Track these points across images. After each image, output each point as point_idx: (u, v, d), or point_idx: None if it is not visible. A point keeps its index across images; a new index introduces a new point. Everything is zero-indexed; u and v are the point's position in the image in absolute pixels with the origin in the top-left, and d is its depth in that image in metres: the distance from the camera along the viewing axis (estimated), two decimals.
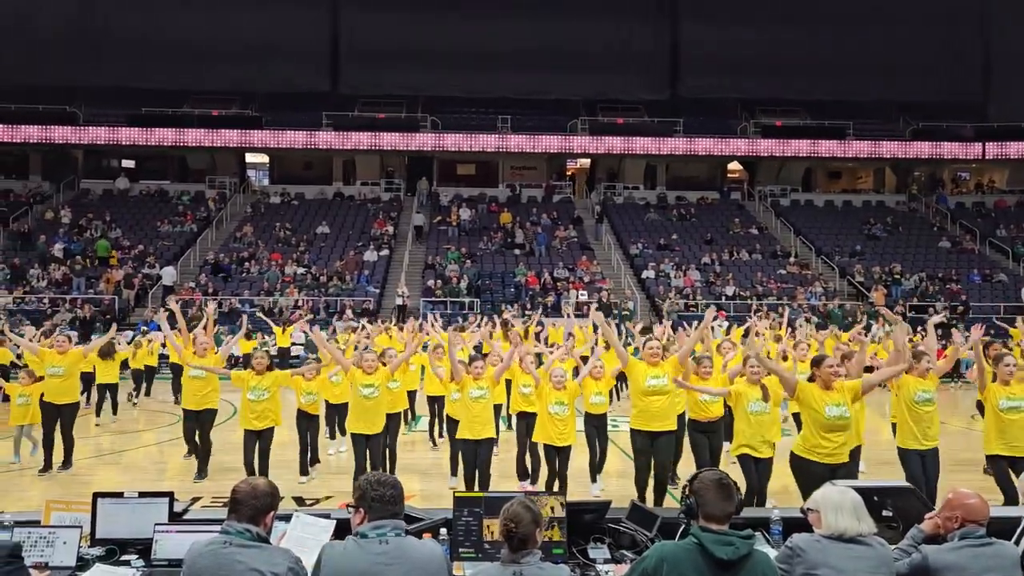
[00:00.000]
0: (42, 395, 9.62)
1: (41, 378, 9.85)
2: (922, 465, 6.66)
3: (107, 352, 12.86)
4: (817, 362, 6.08)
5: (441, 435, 10.68)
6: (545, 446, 7.76)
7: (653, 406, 7.20)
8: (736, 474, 6.17)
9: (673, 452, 7.69)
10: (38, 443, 9.71)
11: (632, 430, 7.36)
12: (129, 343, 16.15)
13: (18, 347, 12.74)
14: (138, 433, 12.76)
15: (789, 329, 14.91)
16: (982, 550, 3.45)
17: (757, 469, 6.72)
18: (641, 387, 7.21)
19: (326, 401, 10.04)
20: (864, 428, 7.65)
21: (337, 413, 10.23)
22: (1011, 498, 6.23)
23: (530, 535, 3.13)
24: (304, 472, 9.23)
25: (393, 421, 8.79)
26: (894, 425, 7.39)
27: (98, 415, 13.09)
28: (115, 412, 13.31)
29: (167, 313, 11.32)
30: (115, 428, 12.86)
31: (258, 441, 8.36)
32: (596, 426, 8.41)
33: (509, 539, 3.14)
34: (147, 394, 15.85)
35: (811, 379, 6.08)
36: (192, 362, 9.32)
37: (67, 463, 9.56)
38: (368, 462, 7.77)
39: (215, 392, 9.44)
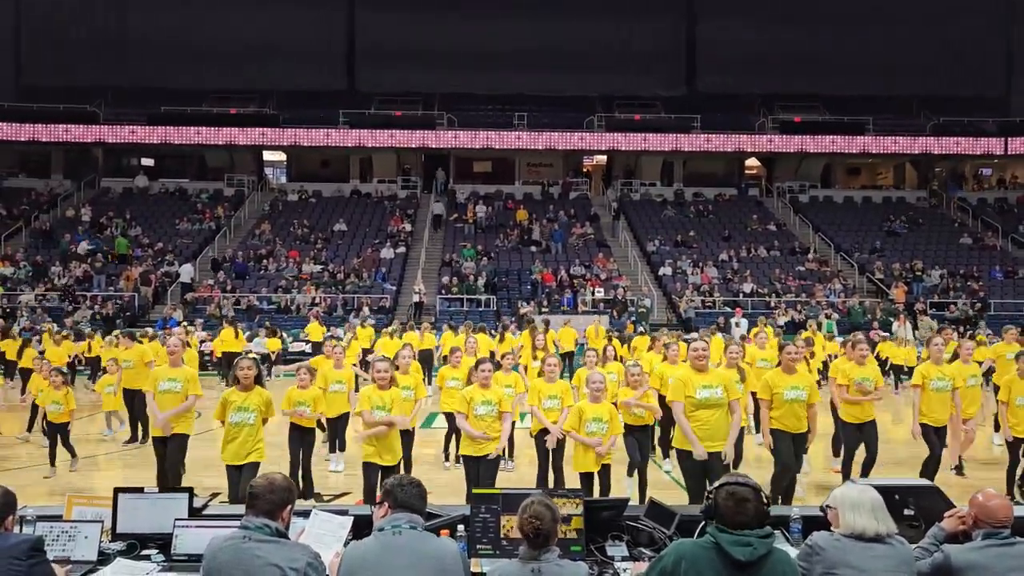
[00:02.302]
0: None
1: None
2: (859, 434, 7.77)
3: None
4: (780, 348, 7.64)
5: (459, 459, 9.13)
6: (582, 474, 6.79)
7: (705, 421, 6.30)
8: None
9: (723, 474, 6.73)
10: (124, 421, 11.73)
11: (679, 450, 6.59)
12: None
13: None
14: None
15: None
16: (1006, 550, 3.40)
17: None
18: (692, 399, 6.33)
19: (322, 414, 8.84)
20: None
21: (336, 425, 9.42)
22: (936, 456, 7.66)
23: (552, 532, 3.14)
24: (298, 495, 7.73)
25: (407, 437, 7.85)
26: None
27: None
28: None
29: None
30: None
31: (240, 480, 6.59)
32: (638, 438, 7.63)
33: (535, 537, 3.14)
34: None
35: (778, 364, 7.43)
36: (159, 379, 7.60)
37: (145, 439, 10.81)
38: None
39: (191, 413, 7.66)
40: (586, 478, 6.78)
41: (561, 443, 7.37)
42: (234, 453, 6.60)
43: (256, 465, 6.61)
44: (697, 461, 6.26)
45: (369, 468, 6.69)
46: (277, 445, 8.06)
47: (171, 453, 7.40)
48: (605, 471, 6.87)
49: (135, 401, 11.22)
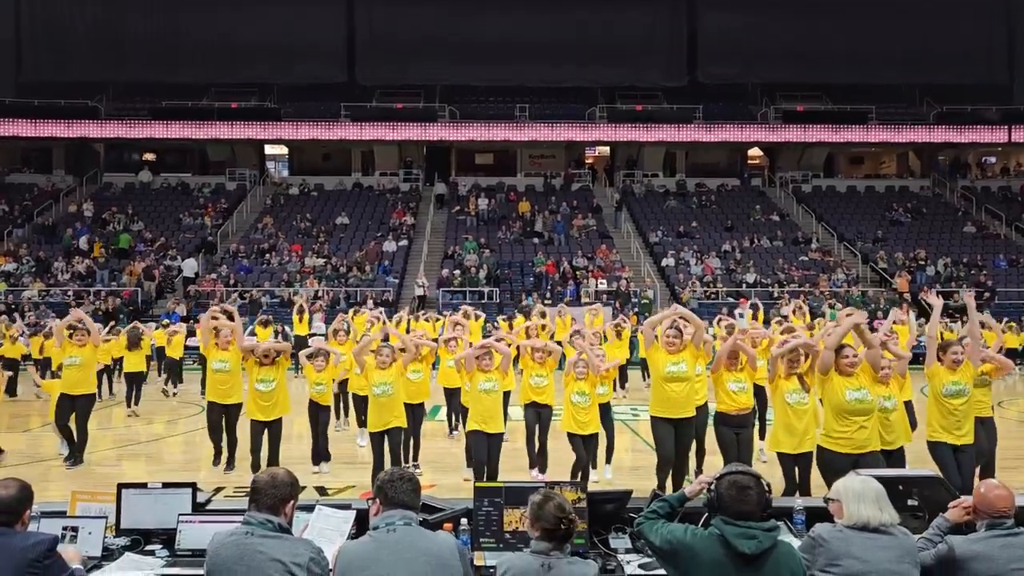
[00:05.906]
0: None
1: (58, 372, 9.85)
2: (956, 461, 6.29)
3: (134, 342, 13.09)
4: (836, 352, 6.01)
5: (456, 428, 10.50)
6: (569, 434, 7.62)
7: (673, 393, 7.14)
8: (769, 471, 6.25)
9: (692, 439, 7.57)
10: (63, 438, 9.65)
11: (653, 418, 7.32)
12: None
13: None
14: (165, 424, 12.87)
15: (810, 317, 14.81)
16: (1010, 540, 3.40)
17: (797, 464, 6.39)
18: (661, 373, 7.17)
19: (353, 393, 10.17)
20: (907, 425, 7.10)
21: (365, 403, 9.78)
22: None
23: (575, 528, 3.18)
24: (316, 462, 8.98)
25: (417, 411, 8.84)
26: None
27: (129, 405, 13.18)
28: (138, 402, 13.33)
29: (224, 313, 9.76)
30: (143, 419, 12.97)
31: (267, 431, 8.28)
32: (601, 415, 8.14)
33: (564, 531, 3.12)
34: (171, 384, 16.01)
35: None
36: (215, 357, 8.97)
37: (78, 459, 9.20)
38: (388, 458, 7.57)
39: (240, 385, 8.96)
40: (575, 438, 7.49)
41: (548, 415, 8.25)
42: (258, 412, 8.20)
43: (280, 420, 8.32)
44: (668, 426, 7.16)
45: (374, 436, 7.64)
46: (288, 437, 8.77)
47: (229, 419, 8.98)
48: (591, 440, 7.57)
49: (76, 408, 9.14)
